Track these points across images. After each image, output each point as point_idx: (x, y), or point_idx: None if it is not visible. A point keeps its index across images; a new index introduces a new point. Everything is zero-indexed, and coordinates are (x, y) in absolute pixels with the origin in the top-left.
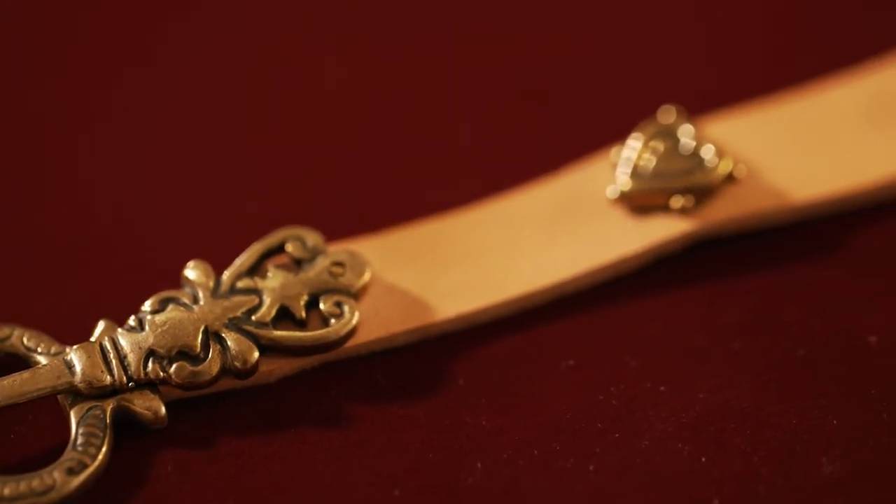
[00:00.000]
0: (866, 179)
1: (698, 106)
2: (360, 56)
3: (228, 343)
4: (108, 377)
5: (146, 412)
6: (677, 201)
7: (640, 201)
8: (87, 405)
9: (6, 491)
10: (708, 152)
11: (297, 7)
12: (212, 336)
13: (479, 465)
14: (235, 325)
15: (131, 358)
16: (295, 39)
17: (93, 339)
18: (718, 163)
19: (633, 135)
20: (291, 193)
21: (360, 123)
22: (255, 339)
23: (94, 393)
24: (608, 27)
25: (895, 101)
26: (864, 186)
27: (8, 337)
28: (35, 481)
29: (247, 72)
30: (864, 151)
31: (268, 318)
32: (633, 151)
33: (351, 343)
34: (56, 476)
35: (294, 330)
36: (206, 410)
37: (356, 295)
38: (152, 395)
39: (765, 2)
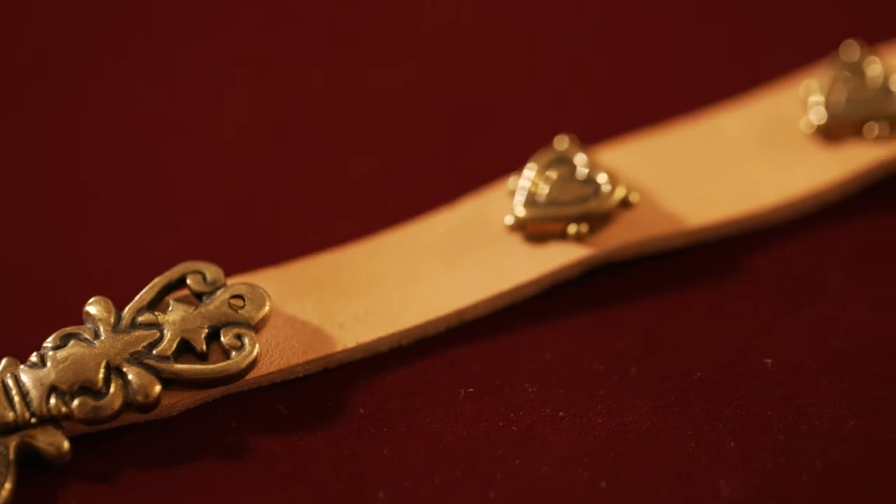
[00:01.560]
0: (758, 203)
1: (592, 134)
2: (257, 88)
3: (130, 377)
4: (11, 413)
5: (49, 448)
6: (573, 228)
7: (537, 229)
8: None
9: None
10: (602, 179)
11: (191, 53)
12: (113, 371)
13: (381, 494)
14: (137, 359)
15: (33, 394)
16: (191, 78)
17: None
18: (612, 189)
19: (529, 164)
20: (191, 228)
21: (258, 157)
22: (157, 373)
23: None
24: (504, 58)
25: (785, 126)
26: (756, 210)
27: None
28: None
29: (146, 108)
30: (755, 176)
31: (169, 352)
32: (529, 180)
33: (252, 375)
34: None
35: (195, 363)
36: (110, 445)
37: (256, 327)
38: (55, 431)
39: (655, 30)
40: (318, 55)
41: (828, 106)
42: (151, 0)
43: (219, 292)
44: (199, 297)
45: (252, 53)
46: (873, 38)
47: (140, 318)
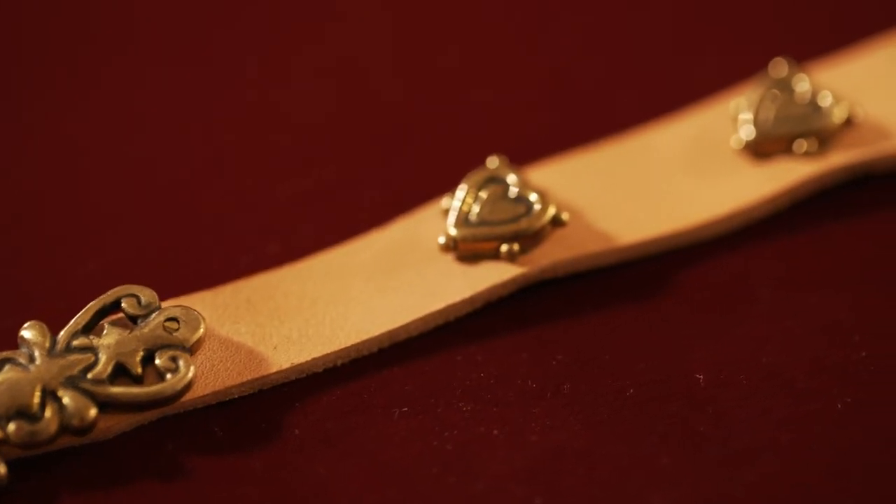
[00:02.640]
0: (688, 220)
1: (523, 154)
2: (189, 113)
3: (65, 401)
4: None
5: None
6: (505, 247)
7: (469, 248)
8: None
9: None
10: (534, 198)
11: (122, 79)
12: (49, 395)
13: None
14: (72, 383)
15: None
16: (124, 103)
17: None
18: (544, 208)
19: (461, 184)
20: (125, 252)
21: (191, 180)
22: (92, 397)
23: None
24: (434, 78)
25: (715, 143)
26: (686, 227)
27: None
28: None
29: (78, 132)
30: (685, 193)
31: (104, 375)
32: (461, 200)
33: (187, 397)
34: None
35: (130, 386)
36: (47, 469)
37: (191, 349)
38: None
39: (585, 50)
40: (248, 79)
41: (757, 123)
42: (77, 27)
43: (153, 315)
44: (133, 320)
45: (183, 78)
46: (802, 56)
47: (75, 342)
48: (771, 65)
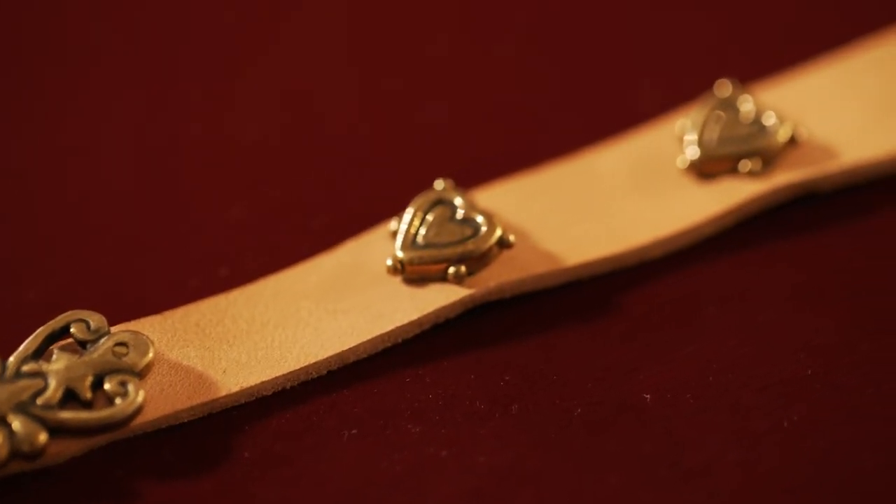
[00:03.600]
0: (634, 240)
1: (470, 176)
2: (138, 137)
3: (15, 427)
4: None
5: None
6: (452, 269)
7: (416, 271)
8: None
9: None
10: (480, 220)
11: (71, 103)
12: None
13: None
14: (22, 408)
15: None
16: (72, 127)
17: None
18: (490, 230)
19: (408, 207)
20: (75, 276)
21: (139, 204)
22: (42, 422)
23: None
24: (382, 101)
25: (660, 163)
26: (632, 247)
27: None
28: None
29: (24, 157)
30: (631, 213)
31: (54, 401)
32: (408, 223)
33: (137, 421)
34: None
35: (80, 411)
36: None
37: (141, 374)
38: None
39: (530, 71)
40: (195, 104)
41: (701, 143)
42: (13, 56)
43: (103, 340)
44: (83, 345)
45: (129, 103)
46: (746, 76)
47: (25, 368)
48: (716, 85)
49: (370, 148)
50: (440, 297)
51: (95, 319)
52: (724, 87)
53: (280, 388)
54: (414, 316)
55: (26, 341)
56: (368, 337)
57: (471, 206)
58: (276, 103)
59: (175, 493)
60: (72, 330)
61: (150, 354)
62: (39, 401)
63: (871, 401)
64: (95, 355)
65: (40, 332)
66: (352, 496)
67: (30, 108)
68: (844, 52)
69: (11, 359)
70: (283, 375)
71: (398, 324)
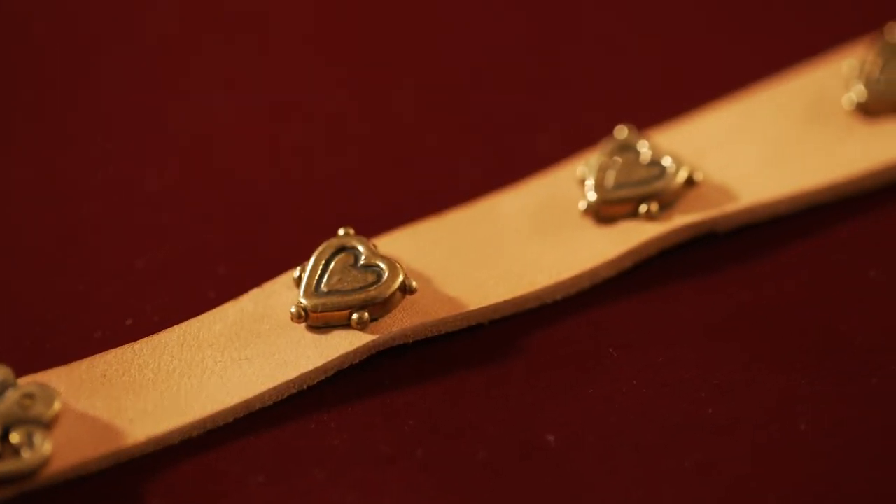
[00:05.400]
0: (535, 284)
1: (373, 224)
2: (40, 185)
3: None
4: None
5: None
6: (356, 316)
7: (320, 318)
8: None
9: None
10: (383, 266)
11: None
12: None
13: None
14: None
15: None
16: None
17: None
18: (393, 276)
19: (313, 255)
20: None
21: (41, 253)
22: None
23: None
24: (284, 150)
25: (560, 207)
26: (532, 291)
27: None
28: None
29: None
30: (532, 256)
31: None
32: (311, 270)
33: (45, 472)
34: None
35: None
36: None
37: (48, 425)
38: None
39: (429, 119)
40: (100, 152)
41: (600, 187)
42: None
43: (9, 392)
44: None
45: (34, 149)
46: (644, 121)
47: None
48: (615, 130)
49: (273, 197)
50: (344, 343)
51: (1, 372)
52: (622, 132)
53: (187, 437)
54: (318, 362)
55: None
56: (274, 384)
57: (373, 253)
58: (179, 152)
59: None
60: None
61: (57, 405)
62: None
63: (773, 438)
64: (1, 407)
65: None
66: None
67: None
68: (741, 94)
69: None
70: (190, 424)
71: (303, 370)
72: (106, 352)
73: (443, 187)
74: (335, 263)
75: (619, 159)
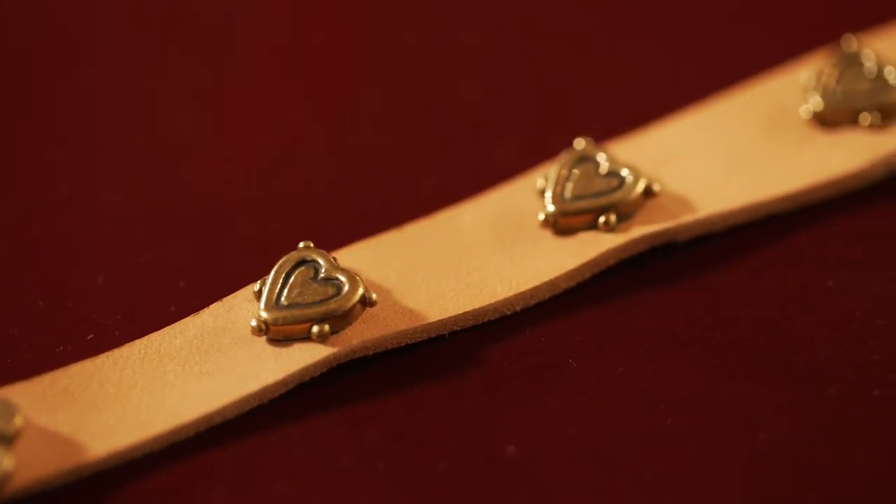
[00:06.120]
0: (494, 295)
1: (334, 238)
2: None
3: None
4: None
5: None
6: (316, 328)
7: (280, 331)
8: None
9: None
10: (343, 279)
11: None
12: None
13: None
14: None
15: None
16: None
17: None
18: (353, 289)
19: (273, 268)
20: None
21: (1, 268)
22: None
23: None
24: (241, 164)
25: (518, 220)
26: (492, 302)
27: None
28: None
29: None
30: (491, 268)
31: None
32: (271, 283)
33: (7, 488)
34: None
35: None
36: None
37: (9, 440)
38: None
39: (387, 131)
40: (58, 169)
41: (560, 198)
42: None
43: None
44: None
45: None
46: (600, 134)
47: None
48: (574, 141)
49: (233, 211)
50: (304, 356)
51: None
52: (581, 144)
53: (149, 451)
54: (279, 375)
55: None
56: (235, 398)
57: (333, 266)
58: (139, 166)
59: None
60: None
61: (19, 420)
62: None
63: (732, 448)
64: None
65: None
66: None
67: None
68: (700, 105)
69: None
70: (152, 438)
71: (263, 384)
72: (67, 366)
73: (402, 200)
74: (295, 277)
75: (577, 171)
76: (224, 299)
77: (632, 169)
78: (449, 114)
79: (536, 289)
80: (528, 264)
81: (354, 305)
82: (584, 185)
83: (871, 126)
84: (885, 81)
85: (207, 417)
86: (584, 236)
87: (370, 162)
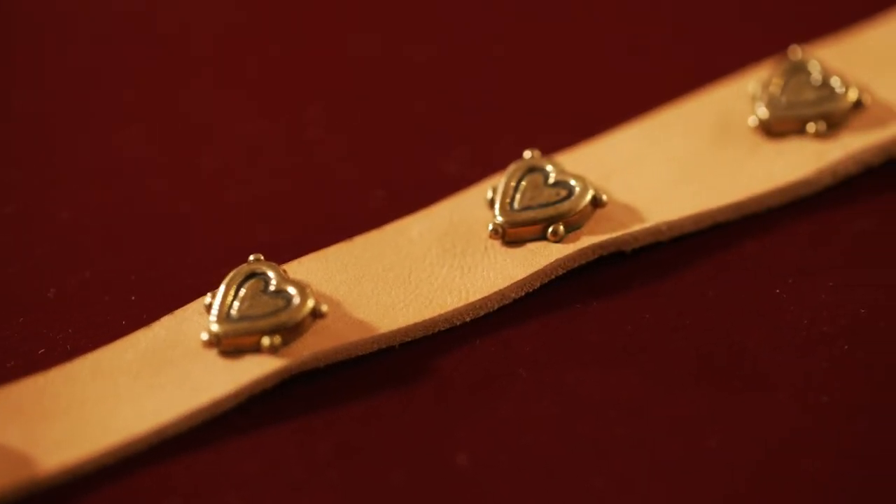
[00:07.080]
0: (443, 306)
1: (283, 250)
2: None
3: None
4: None
5: None
6: (266, 340)
7: (231, 343)
8: None
9: None
10: (293, 291)
11: None
12: None
13: None
14: None
15: None
16: None
17: None
18: (303, 301)
19: (225, 281)
20: None
21: None
22: None
23: None
24: (190, 178)
25: (467, 231)
26: (442, 313)
27: None
28: None
29: None
30: (441, 280)
31: None
32: (222, 296)
33: None
34: None
35: None
36: None
37: None
38: None
39: (336, 142)
40: (13, 182)
41: (508, 209)
42: None
43: None
44: None
45: None
46: (549, 145)
47: None
48: (523, 153)
49: (183, 224)
50: (256, 368)
51: None
52: (529, 154)
53: (101, 465)
54: (230, 388)
55: None
56: (187, 410)
57: (283, 279)
58: (89, 179)
59: None
60: None
61: None
62: None
63: (683, 455)
64: None
65: None
66: None
67: None
68: (648, 115)
69: None
70: (104, 452)
71: (215, 396)
72: (18, 381)
73: (351, 212)
74: (245, 289)
75: (525, 182)
76: (175, 312)
77: (580, 179)
78: (397, 126)
79: (486, 299)
80: (477, 275)
81: (305, 317)
82: (533, 196)
83: (817, 135)
84: (831, 90)
85: (159, 431)
86: (532, 247)
87: (319, 174)
